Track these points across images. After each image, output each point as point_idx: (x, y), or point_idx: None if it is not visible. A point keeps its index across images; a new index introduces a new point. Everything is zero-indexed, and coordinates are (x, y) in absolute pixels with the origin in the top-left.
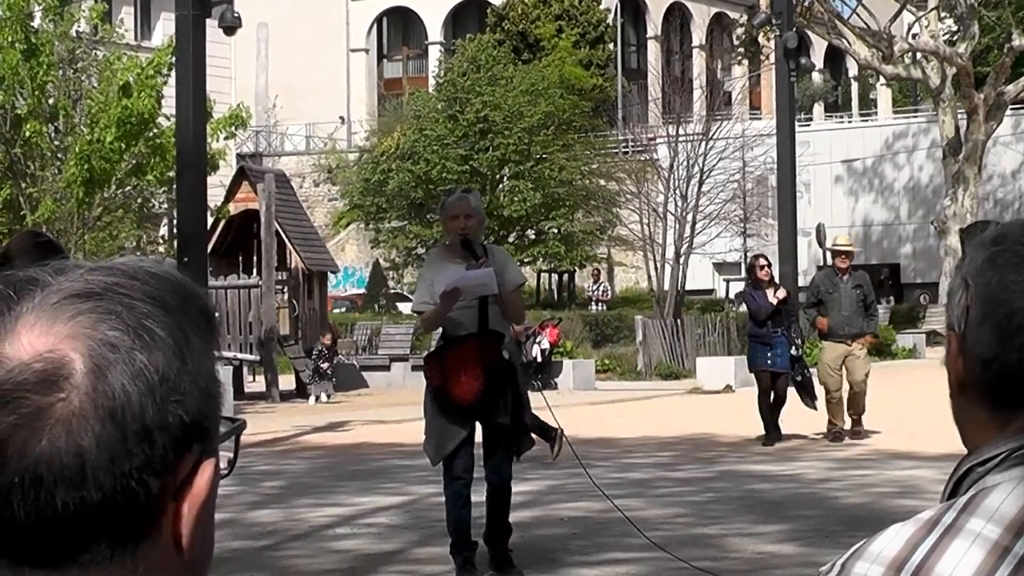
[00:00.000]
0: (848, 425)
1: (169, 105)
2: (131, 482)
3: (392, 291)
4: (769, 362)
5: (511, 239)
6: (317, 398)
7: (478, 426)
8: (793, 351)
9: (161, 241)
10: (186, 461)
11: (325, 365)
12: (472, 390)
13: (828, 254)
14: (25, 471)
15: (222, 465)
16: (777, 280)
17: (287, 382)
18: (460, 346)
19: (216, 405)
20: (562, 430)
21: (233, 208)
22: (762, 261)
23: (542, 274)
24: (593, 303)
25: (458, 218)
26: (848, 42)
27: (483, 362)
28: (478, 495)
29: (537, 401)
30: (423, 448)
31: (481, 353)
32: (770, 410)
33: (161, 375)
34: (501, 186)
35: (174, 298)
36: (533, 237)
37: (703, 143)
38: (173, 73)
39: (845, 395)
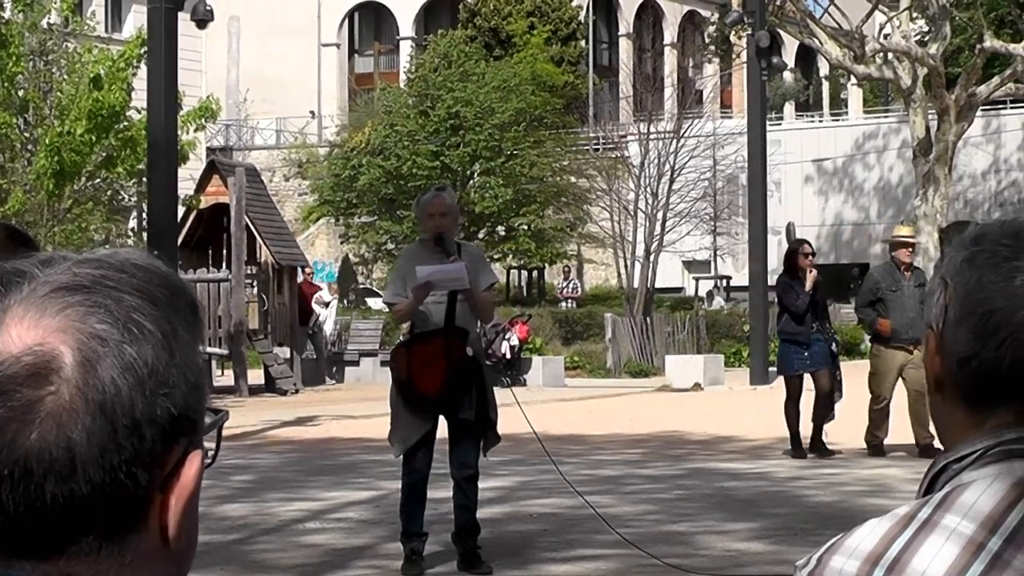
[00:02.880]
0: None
1: (140, 98)
2: (120, 475)
3: (362, 286)
4: (808, 363)
5: (481, 235)
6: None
7: (443, 422)
8: (834, 348)
9: (131, 234)
10: (173, 453)
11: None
12: (437, 384)
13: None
14: (15, 464)
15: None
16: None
17: (256, 376)
18: (427, 341)
19: (202, 397)
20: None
21: (203, 201)
22: (807, 248)
23: (512, 271)
24: (563, 300)
25: (433, 216)
26: (820, 42)
27: (448, 357)
28: (436, 491)
29: (507, 398)
30: (388, 438)
31: (447, 348)
32: (797, 417)
33: (150, 368)
34: (472, 182)
35: (162, 291)
36: (503, 234)
37: (674, 141)
38: (144, 66)
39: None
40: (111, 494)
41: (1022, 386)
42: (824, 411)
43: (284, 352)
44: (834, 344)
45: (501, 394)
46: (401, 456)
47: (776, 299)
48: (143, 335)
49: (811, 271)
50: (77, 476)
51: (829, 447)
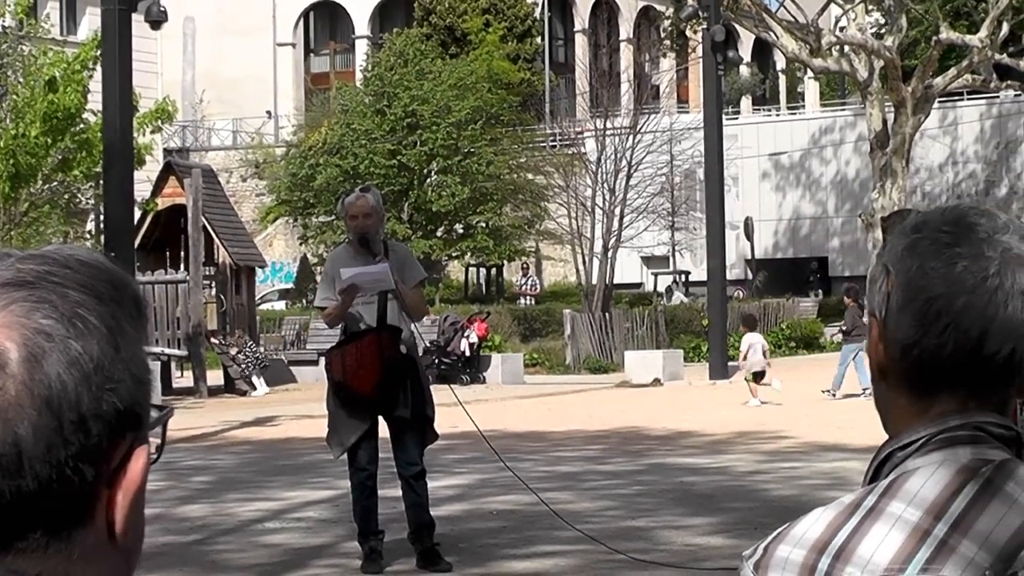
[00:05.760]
0: None
1: (95, 100)
2: (67, 470)
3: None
4: None
5: (439, 233)
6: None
7: (382, 421)
8: None
9: (88, 236)
10: (120, 448)
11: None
12: (370, 383)
13: None
14: None
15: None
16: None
17: (215, 377)
18: (359, 340)
19: (148, 392)
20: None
21: (160, 203)
22: None
23: (470, 268)
24: (522, 297)
25: (356, 217)
26: (775, 35)
27: (381, 356)
28: (387, 490)
29: (460, 396)
30: (326, 441)
31: (379, 347)
32: None
33: (96, 364)
34: (429, 181)
35: (106, 287)
36: (461, 231)
37: (631, 137)
38: (99, 68)
39: None
40: (58, 489)
41: (965, 373)
42: None
43: None
44: None
45: (463, 392)
46: (345, 457)
47: None
48: (88, 330)
49: None
50: (24, 472)
51: None
